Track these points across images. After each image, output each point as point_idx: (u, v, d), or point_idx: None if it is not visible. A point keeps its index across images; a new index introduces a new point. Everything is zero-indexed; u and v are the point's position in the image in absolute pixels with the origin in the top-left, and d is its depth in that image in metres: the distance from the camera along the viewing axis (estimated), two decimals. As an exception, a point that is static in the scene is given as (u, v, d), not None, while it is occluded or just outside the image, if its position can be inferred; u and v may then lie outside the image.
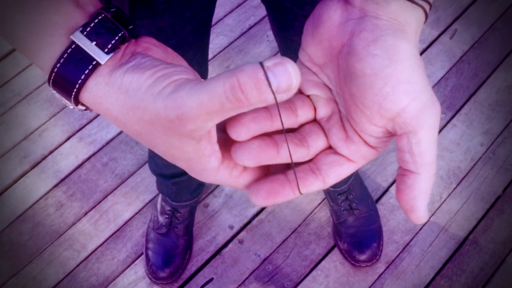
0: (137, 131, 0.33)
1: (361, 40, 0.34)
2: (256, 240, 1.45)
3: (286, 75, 0.27)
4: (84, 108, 0.36)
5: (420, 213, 0.34)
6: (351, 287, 1.38)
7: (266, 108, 0.36)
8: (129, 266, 1.43)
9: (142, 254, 1.44)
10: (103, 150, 1.60)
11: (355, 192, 1.40)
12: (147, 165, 1.55)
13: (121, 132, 1.62)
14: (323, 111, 0.38)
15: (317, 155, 0.38)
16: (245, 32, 1.78)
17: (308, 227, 1.46)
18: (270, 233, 1.45)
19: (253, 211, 1.49)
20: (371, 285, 1.38)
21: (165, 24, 0.74)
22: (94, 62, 0.33)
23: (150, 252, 1.40)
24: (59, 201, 1.53)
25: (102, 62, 0.34)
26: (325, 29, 0.36)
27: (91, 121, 1.64)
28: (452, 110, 1.61)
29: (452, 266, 1.40)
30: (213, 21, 1.80)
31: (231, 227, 1.47)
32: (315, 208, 1.48)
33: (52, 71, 0.34)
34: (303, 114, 0.38)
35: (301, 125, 0.39)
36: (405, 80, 0.32)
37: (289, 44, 0.87)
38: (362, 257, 1.38)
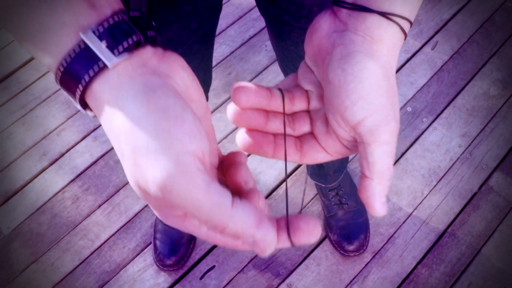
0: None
1: (337, 53, 0.34)
2: (254, 231, 1.46)
3: (269, 247, 0.31)
4: (92, 114, 0.33)
5: (375, 209, 0.35)
6: (341, 274, 1.39)
7: (268, 89, 0.38)
8: (138, 254, 1.44)
9: (150, 243, 1.45)
10: None
11: (344, 188, 1.40)
12: None
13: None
14: (313, 104, 0.39)
15: (302, 135, 0.39)
16: (246, 42, 1.79)
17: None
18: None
19: (252, 205, 1.50)
20: (359, 273, 1.39)
21: (172, 34, 0.73)
22: (100, 63, 0.30)
23: (157, 242, 1.41)
24: (75, 195, 1.53)
25: (109, 64, 0.30)
26: (316, 37, 0.37)
27: (104, 122, 1.66)
28: (433, 115, 1.63)
29: (432, 256, 1.41)
30: (216, 32, 1.81)
31: (232, 219, 1.48)
32: (308, 203, 1.49)
33: (58, 69, 0.30)
34: (298, 104, 0.40)
35: (295, 112, 0.40)
36: (363, 97, 0.33)
37: (286, 54, 0.88)
38: (351, 247, 1.38)
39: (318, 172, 1.37)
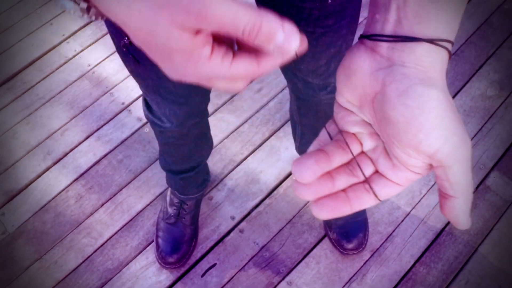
0: (142, 15, 0.29)
1: (393, 90, 0.33)
2: (255, 229, 1.46)
3: (291, 44, 0.30)
4: (85, 5, 0.32)
5: (464, 225, 0.35)
6: (340, 272, 1.40)
7: (324, 152, 0.37)
8: (141, 252, 1.44)
9: (152, 241, 1.45)
10: (118, 148, 1.62)
11: (344, 188, 1.42)
12: (157, 162, 1.56)
13: (134, 132, 1.64)
14: (368, 144, 0.38)
15: (370, 176, 0.38)
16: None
17: (302, 218, 1.48)
18: (267, 223, 1.47)
19: (253, 203, 1.50)
20: (358, 271, 1.40)
21: None
22: None
23: (160, 240, 1.41)
24: (78, 194, 1.54)
25: None
26: (358, 78, 0.35)
27: (107, 122, 1.66)
28: (431, 115, 1.64)
29: (430, 254, 1.41)
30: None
31: (233, 218, 1.48)
32: (308, 202, 1.51)
33: None
34: (354, 148, 0.38)
35: (352, 159, 0.39)
36: (436, 126, 0.32)
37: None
38: (350, 246, 1.39)
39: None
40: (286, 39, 0.30)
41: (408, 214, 1.47)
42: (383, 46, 0.34)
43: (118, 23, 0.31)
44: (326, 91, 0.95)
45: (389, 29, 0.34)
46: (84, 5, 0.32)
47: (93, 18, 0.34)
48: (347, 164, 0.39)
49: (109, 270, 1.42)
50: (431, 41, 0.32)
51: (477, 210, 1.48)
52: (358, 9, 0.80)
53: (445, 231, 1.45)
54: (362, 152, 0.39)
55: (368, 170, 0.38)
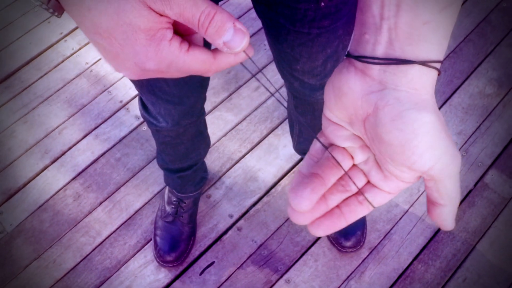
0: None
1: (386, 114, 0.33)
2: (253, 227, 1.47)
3: (239, 42, 0.33)
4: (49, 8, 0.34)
5: (449, 227, 0.37)
6: (338, 270, 1.40)
7: (319, 176, 0.37)
8: (139, 250, 1.44)
9: (150, 240, 1.45)
10: (116, 146, 1.61)
11: (342, 186, 1.42)
12: (155, 160, 1.56)
13: (132, 130, 1.64)
14: (359, 158, 0.39)
15: (363, 187, 0.39)
16: (245, 41, 1.80)
17: (300, 216, 1.48)
18: (265, 221, 1.47)
19: (251, 201, 1.51)
20: (356, 268, 1.40)
21: None
22: None
23: (158, 238, 1.41)
24: (76, 192, 1.54)
25: None
26: (349, 100, 0.35)
27: (105, 120, 1.66)
28: (429, 113, 1.64)
29: (428, 252, 1.42)
30: (216, 32, 1.82)
31: (231, 216, 1.49)
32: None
33: None
34: (344, 164, 0.39)
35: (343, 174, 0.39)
36: (429, 148, 0.33)
37: (283, 56, 0.88)
38: (348, 243, 1.39)
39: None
40: (234, 36, 0.33)
41: (406, 212, 1.48)
42: (375, 69, 0.34)
43: (78, 13, 0.33)
44: (322, 91, 0.95)
45: (380, 51, 0.33)
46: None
47: (52, 11, 0.35)
48: (339, 179, 0.39)
49: (108, 269, 1.42)
50: (423, 63, 0.32)
51: (475, 208, 1.48)
52: (354, 10, 0.79)
53: (443, 229, 1.45)
54: (354, 165, 0.39)
55: (360, 182, 0.39)
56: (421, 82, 0.33)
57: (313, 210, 0.37)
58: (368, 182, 0.39)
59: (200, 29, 0.33)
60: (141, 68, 0.35)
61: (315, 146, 0.40)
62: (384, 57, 0.33)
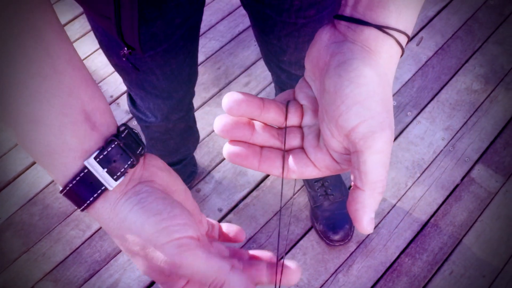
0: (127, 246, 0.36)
1: (335, 61, 0.34)
2: (242, 221, 1.47)
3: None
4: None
5: (363, 225, 0.34)
6: (326, 263, 1.41)
7: (261, 100, 0.38)
8: (128, 244, 1.45)
9: (140, 233, 1.46)
10: None
11: (330, 180, 1.42)
12: None
13: (122, 125, 1.64)
14: (307, 120, 0.39)
15: (291, 149, 0.39)
16: (235, 37, 1.80)
17: (289, 210, 1.48)
18: (254, 215, 1.48)
19: (240, 195, 1.51)
20: (344, 262, 1.41)
21: (157, 30, 0.73)
22: (103, 188, 0.35)
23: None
24: (66, 186, 1.55)
25: (110, 189, 0.35)
26: (316, 49, 0.37)
27: (96, 115, 1.66)
28: (417, 109, 1.65)
29: (415, 245, 1.43)
30: (206, 27, 1.82)
31: (220, 210, 1.49)
32: (295, 194, 1.51)
33: (65, 188, 0.35)
34: (292, 118, 0.40)
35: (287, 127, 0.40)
36: (359, 102, 0.32)
37: (270, 48, 0.88)
38: (336, 237, 1.40)
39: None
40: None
41: (393, 206, 1.49)
42: (342, 24, 0.37)
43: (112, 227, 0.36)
44: None
45: (347, 11, 0.36)
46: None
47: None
48: (278, 129, 0.40)
49: (97, 262, 1.42)
50: (378, 27, 0.34)
51: (462, 202, 1.49)
52: (339, 0, 0.80)
53: (430, 222, 1.46)
54: (299, 126, 0.40)
55: (295, 141, 0.39)
56: (375, 44, 0.34)
57: (236, 127, 0.38)
58: (301, 148, 0.39)
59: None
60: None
61: (282, 96, 0.42)
62: (349, 16, 0.36)
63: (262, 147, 0.39)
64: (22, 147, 0.34)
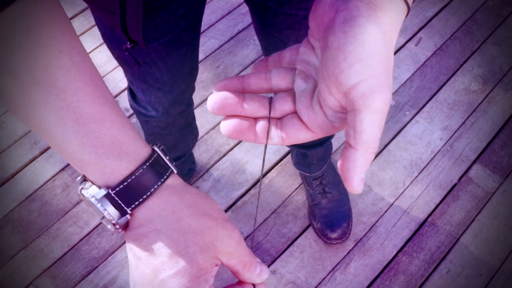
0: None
1: (340, 17, 0.33)
2: (240, 219, 1.48)
3: (264, 275, 0.42)
4: (118, 227, 0.38)
5: (353, 184, 0.33)
6: (323, 261, 1.41)
7: (242, 76, 0.39)
8: (127, 241, 1.45)
9: (138, 230, 1.46)
10: None
11: (328, 178, 1.42)
12: None
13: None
14: (299, 84, 0.39)
15: (284, 116, 0.39)
16: (234, 36, 1.80)
17: (286, 208, 1.49)
18: (252, 213, 1.48)
19: (238, 193, 1.51)
20: (341, 260, 1.41)
21: (161, 20, 0.74)
22: (170, 170, 0.38)
23: (146, 229, 1.42)
24: (65, 183, 1.54)
25: (175, 171, 0.40)
26: (321, 7, 0.36)
27: (95, 113, 1.66)
28: (415, 108, 1.66)
29: (413, 244, 1.43)
30: (206, 26, 1.82)
31: (218, 208, 1.50)
32: (293, 192, 1.51)
33: (135, 171, 0.37)
34: (278, 82, 0.40)
35: (276, 92, 0.40)
36: (361, 60, 0.32)
37: (270, 41, 0.88)
38: (334, 235, 1.40)
39: (302, 161, 1.39)
40: (258, 275, 0.42)
41: (391, 205, 1.49)
42: None
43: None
44: None
45: None
46: (117, 226, 0.39)
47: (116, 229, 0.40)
48: (268, 98, 0.41)
49: (95, 259, 1.43)
50: None
51: (460, 202, 1.50)
52: None
53: (427, 221, 1.47)
54: (290, 91, 0.40)
55: (286, 106, 0.40)
56: (381, 1, 0.34)
57: (225, 101, 0.39)
58: (293, 112, 0.39)
59: (242, 270, 0.41)
60: None
61: (275, 56, 0.42)
62: None
63: (255, 118, 0.40)
64: (83, 146, 0.36)
